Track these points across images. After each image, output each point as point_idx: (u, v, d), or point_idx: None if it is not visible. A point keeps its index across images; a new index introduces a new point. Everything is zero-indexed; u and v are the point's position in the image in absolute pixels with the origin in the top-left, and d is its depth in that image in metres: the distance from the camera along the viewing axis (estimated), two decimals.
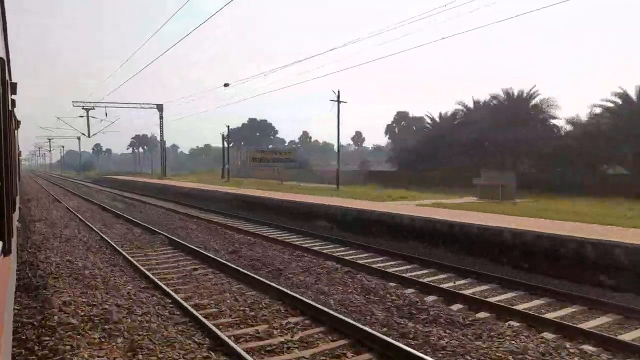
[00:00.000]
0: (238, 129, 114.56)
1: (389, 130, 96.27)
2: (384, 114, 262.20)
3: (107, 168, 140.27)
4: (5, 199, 2.41)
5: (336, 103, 32.53)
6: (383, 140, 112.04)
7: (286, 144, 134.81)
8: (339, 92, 32.61)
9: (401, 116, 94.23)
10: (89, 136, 57.27)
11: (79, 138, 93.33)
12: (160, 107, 56.46)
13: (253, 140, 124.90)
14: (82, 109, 52.20)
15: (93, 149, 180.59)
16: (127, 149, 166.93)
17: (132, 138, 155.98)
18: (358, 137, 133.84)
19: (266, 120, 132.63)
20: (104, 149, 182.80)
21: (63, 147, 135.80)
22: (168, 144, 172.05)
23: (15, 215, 9.57)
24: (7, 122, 3.02)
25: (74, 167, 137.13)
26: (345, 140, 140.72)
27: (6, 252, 2.84)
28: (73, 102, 51.39)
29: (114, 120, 55.63)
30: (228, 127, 53.43)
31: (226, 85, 38.27)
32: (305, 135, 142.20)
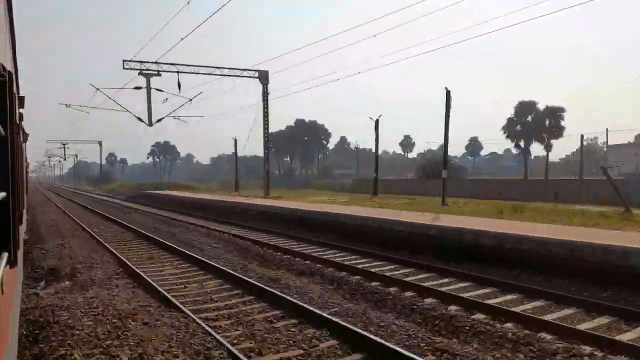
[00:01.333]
0: (279, 133, 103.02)
1: (510, 126, 71.18)
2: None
3: (124, 180, 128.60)
4: (12, 212, 2.46)
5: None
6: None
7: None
8: (448, 92, 22.62)
9: (525, 107, 69.95)
10: (150, 124, 30.26)
11: (100, 143, 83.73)
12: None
13: (300, 146, 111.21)
14: (140, 74, 28.80)
15: (106, 159, 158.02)
16: (147, 158, 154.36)
17: (152, 146, 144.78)
18: (474, 143, 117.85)
19: (316, 122, 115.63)
20: (118, 159, 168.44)
21: (76, 155, 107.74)
22: (183, 154, 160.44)
23: (23, 227, 9.63)
24: (15, 135, 3.08)
25: (87, 178, 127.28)
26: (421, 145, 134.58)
27: (12, 263, 2.87)
28: (124, 61, 28.50)
29: (196, 94, 29.18)
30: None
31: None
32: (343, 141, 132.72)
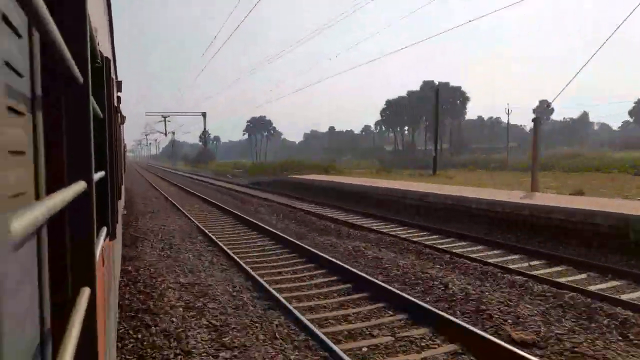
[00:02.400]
0: (399, 100, 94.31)
1: None
2: None
3: (219, 159, 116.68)
4: (110, 188, 2.62)
5: None
6: None
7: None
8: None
9: None
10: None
11: (204, 114, 79.87)
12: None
13: (428, 113, 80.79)
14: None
15: (200, 136, 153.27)
16: (243, 134, 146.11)
17: (248, 121, 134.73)
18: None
19: (448, 84, 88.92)
20: (211, 137, 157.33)
21: (156, 140, 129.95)
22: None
23: (121, 203, 10.47)
24: (112, 117, 3.28)
25: (184, 158, 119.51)
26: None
27: (111, 236, 3.09)
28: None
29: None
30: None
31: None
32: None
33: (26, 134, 0.96)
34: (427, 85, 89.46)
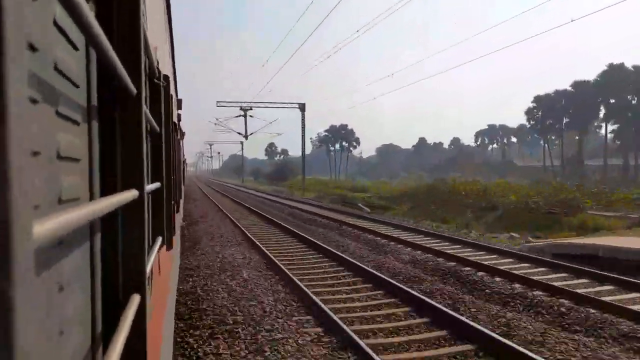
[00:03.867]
0: (555, 96, 70.36)
1: None
2: None
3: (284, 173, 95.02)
4: (166, 201, 2.71)
5: None
6: None
7: None
8: None
9: None
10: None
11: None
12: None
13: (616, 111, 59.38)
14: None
15: (267, 149, 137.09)
16: (317, 146, 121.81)
17: (326, 131, 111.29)
18: None
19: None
20: (278, 150, 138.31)
21: (219, 153, 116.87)
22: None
23: (179, 215, 10.89)
24: (171, 132, 3.42)
25: (253, 173, 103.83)
26: None
27: (167, 246, 3.20)
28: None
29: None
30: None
31: None
32: None
33: (81, 142, 1.01)
34: (614, 70, 60.82)
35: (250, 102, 46.53)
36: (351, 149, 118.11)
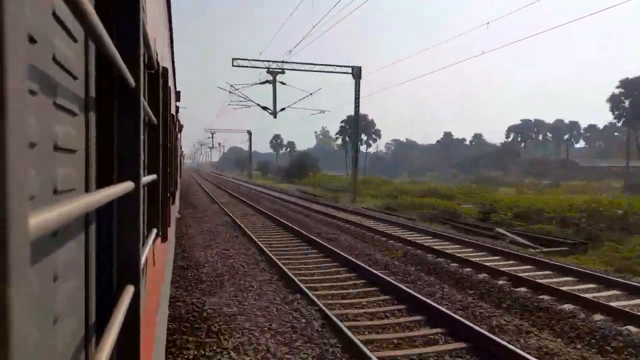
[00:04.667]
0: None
1: None
2: None
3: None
4: (162, 193, 2.72)
5: None
6: None
7: None
8: None
9: None
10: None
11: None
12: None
13: None
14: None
15: (272, 141, 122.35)
16: (335, 138, 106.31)
17: (343, 121, 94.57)
18: None
19: None
20: (284, 142, 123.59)
21: (220, 143, 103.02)
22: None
23: (175, 207, 10.84)
24: (167, 125, 3.42)
25: (262, 168, 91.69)
26: None
27: (162, 238, 3.20)
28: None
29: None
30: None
31: None
32: None
33: (78, 133, 1.01)
34: None
35: (281, 63, 30.59)
36: (370, 142, 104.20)
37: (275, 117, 32.69)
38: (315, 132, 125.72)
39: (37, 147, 0.72)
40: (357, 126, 32.94)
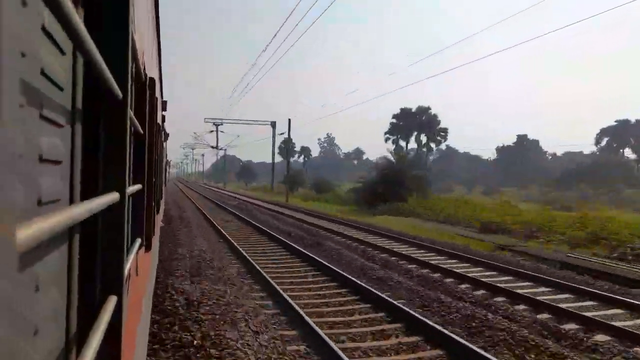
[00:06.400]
0: None
1: None
2: None
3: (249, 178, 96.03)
4: (147, 203, 2.71)
5: None
6: None
7: None
8: None
9: None
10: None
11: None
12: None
13: None
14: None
15: (280, 146, 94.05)
16: (386, 140, 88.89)
17: (394, 116, 78.10)
18: None
19: None
20: (296, 147, 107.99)
21: (203, 155, 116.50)
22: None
23: (159, 216, 10.74)
24: (153, 135, 3.41)
25: (247, 177, 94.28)
26: None
27: (146, 248, 3.18)
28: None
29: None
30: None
31: None
32: None
33: (64, 144, 1.02)
34: None
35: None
36: (432, 144, 78.02)
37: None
38: (319, 139, 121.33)
39: (23, 159, 0.73)
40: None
